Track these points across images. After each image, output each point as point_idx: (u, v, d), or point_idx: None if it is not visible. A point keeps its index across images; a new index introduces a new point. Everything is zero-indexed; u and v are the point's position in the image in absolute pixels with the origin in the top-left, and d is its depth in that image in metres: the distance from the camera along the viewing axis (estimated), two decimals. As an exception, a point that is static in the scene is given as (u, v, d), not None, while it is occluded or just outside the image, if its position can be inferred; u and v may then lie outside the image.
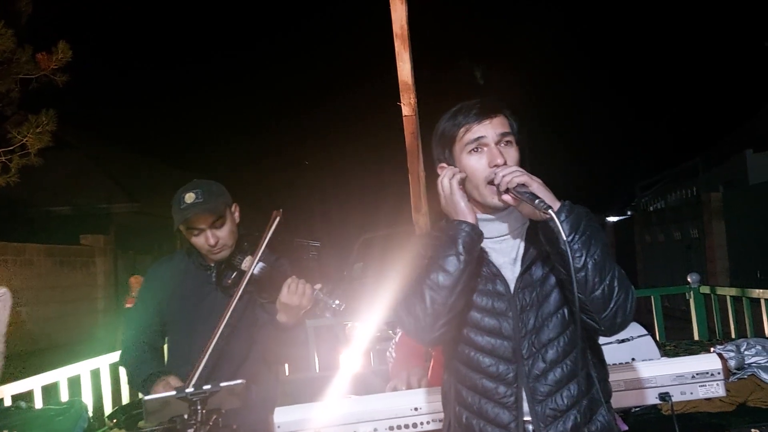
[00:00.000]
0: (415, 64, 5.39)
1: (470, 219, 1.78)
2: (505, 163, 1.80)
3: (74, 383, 4.19)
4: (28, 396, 3.85)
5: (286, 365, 5.88)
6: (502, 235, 1.88)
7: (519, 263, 1.85)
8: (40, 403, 3.86)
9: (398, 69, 5.32)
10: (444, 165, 1.90)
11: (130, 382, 2.70)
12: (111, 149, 20.94)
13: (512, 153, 1.84)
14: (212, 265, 2.59)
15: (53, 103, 10.73)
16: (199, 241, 2.53)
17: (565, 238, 1.63)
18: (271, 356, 2.59)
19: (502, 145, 1.83)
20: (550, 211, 1.65)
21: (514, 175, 1.72)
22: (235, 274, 2.51)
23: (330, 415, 2.30)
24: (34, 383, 3.88)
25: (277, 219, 2.47)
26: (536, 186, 1.70)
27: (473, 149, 1.83)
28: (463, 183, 1.83)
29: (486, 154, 1.82)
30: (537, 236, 1.80)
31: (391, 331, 4.71)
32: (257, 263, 2.44)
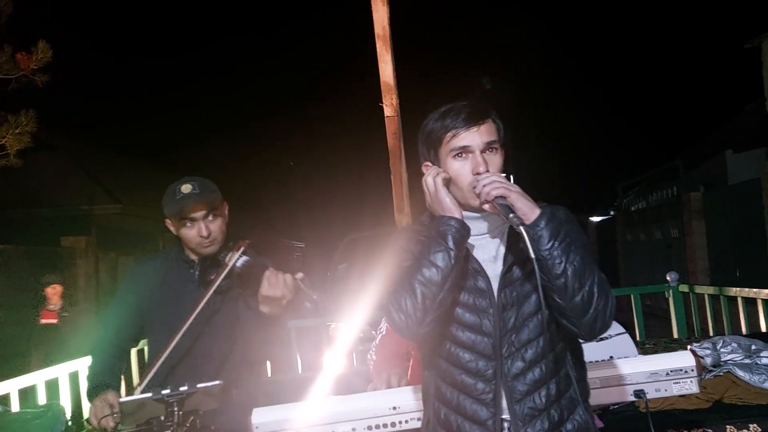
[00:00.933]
0: (396, 65, 5.41)
1: (457, 215, 1.79)
2: (487, 171, 1.81)
3: (52, 386, 4.16)
4: (4, 399, 3.82)
5: (269, 366, 5.88)
6: (484, 234, 1.90)
7: (501, 262, 1.86)
8: (17, 406, 3.83)
9: (380, 70, 5.32)
10: (429, 164, 1.91)
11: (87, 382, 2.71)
12: (92, 150, 20.79)
13: (496, 160, 1.86)
14: (196, 260, 2.58)
15: (33, 104, 10.65)
16: (191, 232, 2.52)
17: (533, 256, 1.65)
18: (252, 355, 2.59)
19: (488, 152, 1.85)
20: (521, 228, 1.67)
21: (492, 186, 1.73)
22: (219, 270, 2.51)
23: (308, 415, 2.30)
24: (10, 386, 3.84)
25: (242, 249, 2.47)
26: (515, 196, 1.72)
27: (458, 155, 1.85)
28: (447, 183, 1.85)
29: (470, 161, 1.84)
30: (518, 237, 1.82)
31: (374, 332, 4.72)
32: (240, 257, 2.45)
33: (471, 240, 1.85)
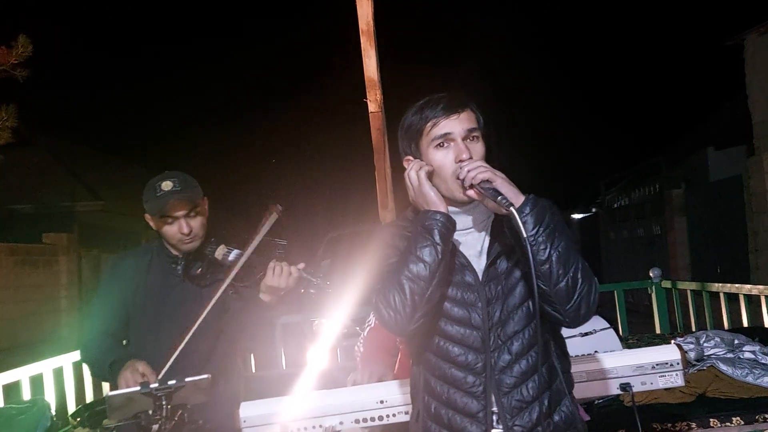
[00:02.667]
0: (381, 61, 5.41)
1: (442, 208, 1.79)
2: (470, 158, 1.81)
3: (37, 382, 4.13)
4: (-11, 395, 3.79)
5: (253, 362, 5.87)
6: (468, 228, 1.90)
7: (485, 256, 1.87)
8: (1, 402, 3.80)
9: (364, 65, 5.32)
10: (410, 158, 1.91)
11: (94, 372, 2.64)
12: (74, 147, 20.65)
13: (478, 148, 1.86)
14: (180, 256, 2.57)
15: (14, 99, 10.54)
16: (172, 230, 2.52)
17: (525, 235, 1.65)
18: (239, 345, 2.59)
19: (469, 140, 1.85)
20: (511, 208, 1.67)
21: (478, 171, 1.73)
22: (204, 264, 2.51)
23: (296, 408, 2.30)
24: (-6, 382, 3.82)
25: (275, 216, 2.47)
26: (500, 182, 1.72)
27: (440, 144, 1.84)
28: (430, 176, 1.84)
29: (452, 149, 1.83)
30: (502, 229, 1.82)
31: (358, 328, 4.72)
32: (236, 251, 2.47)
33: (456, 235, 1.86)
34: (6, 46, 10.30)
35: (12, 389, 3.98)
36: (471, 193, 1.77)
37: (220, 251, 2.48)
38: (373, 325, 3.16)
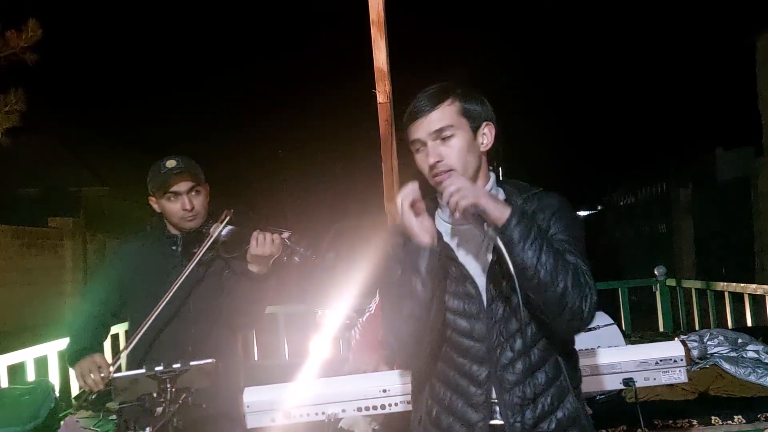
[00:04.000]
0: (390, 52, 5.40)
1: (426, 240, 1.74)
2: (438, 162, 1.79)
3: (41, 364, 4.15)
4: (-6, 376, 3.81)
5: (256, 351, 5.89)
6: (469, 223, 1.87)
7: (489, 253, 1.83)
8: (5, 383, 3.82)
9: (374, 56, 5.31)
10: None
11: (65, 351, 2.70)
12: (81, 132, 20.69)
13: (453, 145, 1.81)
14: (179, 236, 2.60)
15: (22, 83, 10.56)
16: (174, 206, 2.54)
17: (509, 263, 1.64)
18: (236, 322, 2.61)
19: (440, 141, 1.81)
20: (497, 240, 1.66)
21: (459, 196, 1.69)
22: (202, 243, 2.54)
23: (299, 396, 2.32)
24: (-1, 363, 3.84)
25: (227, 218, 2.54)
26: (483, 201, 1.69)
27: (417, 149, 1.84)
28: (415, 204, 1.76)
29: (424, 153, 1.82)
30: None
31: (360, 319, 4.74)
32: (225, 226, 2.52)
33: (456, 228, 1.85)
34: (15, 29, 10.31)
35: (17, 370, 4.00)
36: (458, 216, 1.74)
37: (215, 228, 2.51)
38: (373, 311, 3.16)
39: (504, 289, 1.80)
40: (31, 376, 4.02)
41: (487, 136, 1.86)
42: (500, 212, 1.68)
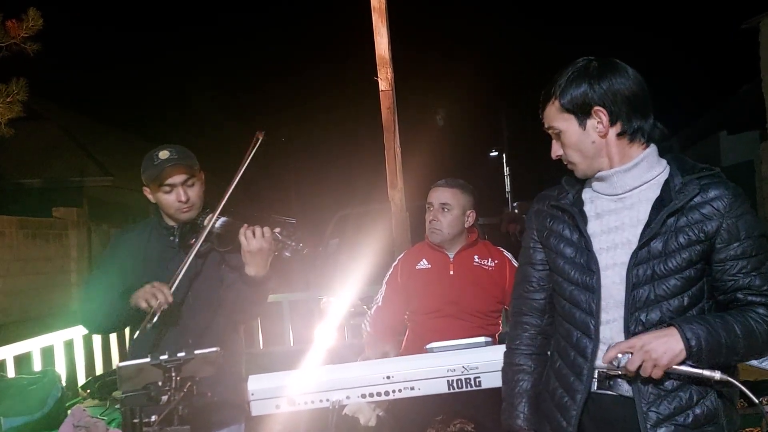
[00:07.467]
0: (392, 39, 5.39)
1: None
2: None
3: (47, 354, 4.18)
4: (0, 365, 3.85)
5: (261, 338, 5.92)
6: (627, 192, 1.79)
7: (638, 231, 1.74)
8: (12, 372, 3.85)
9: (376, 43, 5.31)
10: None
11: (99, 320, 2.59)
12: (84, 122, 20.69)
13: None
14: (176, 226, 2.59)
15: (24, 73, 10.53)
16: (169, 198, 2.53)
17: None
18: (237, 316, 2.60)
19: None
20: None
21: (651, 371, 1.66)
22: (198, 234, 2.52)
23: (303, 383, 2.33)
24: (6, 353, 3.87)
25: (260, 141, 2.47)
26: (667, 360, 1.65)
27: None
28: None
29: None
30: (669, 201, 1.72)
31: (365, 306, 4.76)
32: (219, 218, 2.48)
33: (606, 202, 1.81)
34: (16, 19, 10.28)
35: (23, 360, 4.04)
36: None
37: (209, 218, 2.49)
38: (380, 303, 3.17)
39: (651, 275, 1.73)
40: (37, 365, 4.05)
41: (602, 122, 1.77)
42: (675, 354, 1.64)
